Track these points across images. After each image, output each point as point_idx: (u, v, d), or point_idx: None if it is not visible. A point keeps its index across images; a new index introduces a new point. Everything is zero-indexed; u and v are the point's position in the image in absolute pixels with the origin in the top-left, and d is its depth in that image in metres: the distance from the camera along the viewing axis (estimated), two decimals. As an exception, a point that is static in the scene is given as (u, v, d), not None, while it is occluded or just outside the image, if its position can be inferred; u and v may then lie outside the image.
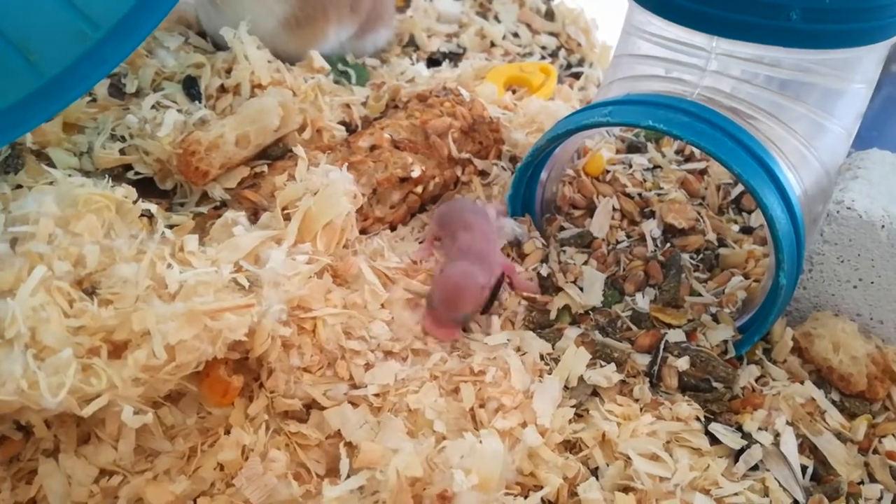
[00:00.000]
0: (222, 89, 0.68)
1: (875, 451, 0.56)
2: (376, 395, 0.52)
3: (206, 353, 0.47)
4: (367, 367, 0.54)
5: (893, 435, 0.56)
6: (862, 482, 0.54)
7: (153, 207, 0.53)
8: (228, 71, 0.69)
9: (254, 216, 0.58)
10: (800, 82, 0.58)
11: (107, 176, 0.54)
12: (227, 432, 0.50)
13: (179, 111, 0.65)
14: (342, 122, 0.70)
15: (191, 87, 0.67)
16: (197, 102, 0.66)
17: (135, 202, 0.52)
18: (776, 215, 0.52)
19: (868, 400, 0.58)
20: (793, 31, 0.53)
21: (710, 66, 0.59)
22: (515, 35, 0.94)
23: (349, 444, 0.50)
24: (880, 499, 0.53)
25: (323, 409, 0.51)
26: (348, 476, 0.47)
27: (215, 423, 0.51)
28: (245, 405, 0.52)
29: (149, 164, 0.62)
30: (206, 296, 0.47)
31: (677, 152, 0.76)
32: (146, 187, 0.62)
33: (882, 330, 0.60)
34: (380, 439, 0.49)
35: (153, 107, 0.65)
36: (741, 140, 0.54)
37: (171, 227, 0.58)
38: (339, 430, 0.50)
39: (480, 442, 0.47)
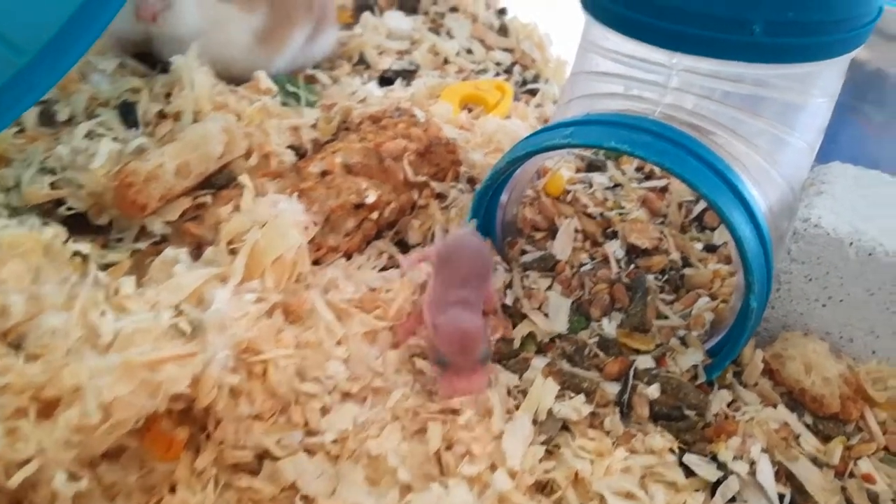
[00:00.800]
0: (161, 115, 0.64)
1: (851, 475, 0.54)
2: (334, 442, 0.49)
3: (146, 408, 0.43)
4: (324, 411, 0.50)
5: (868, 456, 0.55)
6: (840, 508, 0.52)
7: (86, 248, 0.49)
8: (168, 95, 0.65)
9: (197, 250, 0.54)
10: (761, 97, 0.57)
11: (35, 214, 0.50)
12: (173, 490, 0.46)
13: (115, 139, 0.60)
14: (291, 147, 0.67)
15: (127, 113, 0.63)
16: (134, 130, 0.62)
17: (65, 242, 0.48)
18: (744, 236, 0.51)
19: (842, 421, 0.56)
20: (756, 45, 0.51)
21: (671, 83, 0.57)
22: (469, 51, 0.91)
23: (306, 498, 0.46)
24: (859, 525, 0.52)
25: (276, 459, 0.48)
26: (306, 534, 0.44)
27: (160, 480, 0.47)
28: (192, 458, 0.48)
29: (82, 199, 0.58)
30: (143, 345, 0.43)
31: (637, 170, 0.75)
32: (79, 223, 0.58)
33: (852, 348, 0.59)
34: (339, 492, 0.45)
35: (86, 136, 0.60)
36: (706, 159, 0.52)
37: (107, 265, 0.54)
38: (294, 481, 0.47)
39: (447, 493, 0.44)
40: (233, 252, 0.52)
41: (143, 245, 0.57)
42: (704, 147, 0.54)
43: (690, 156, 0.52)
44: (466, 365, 0.50)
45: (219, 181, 0.61)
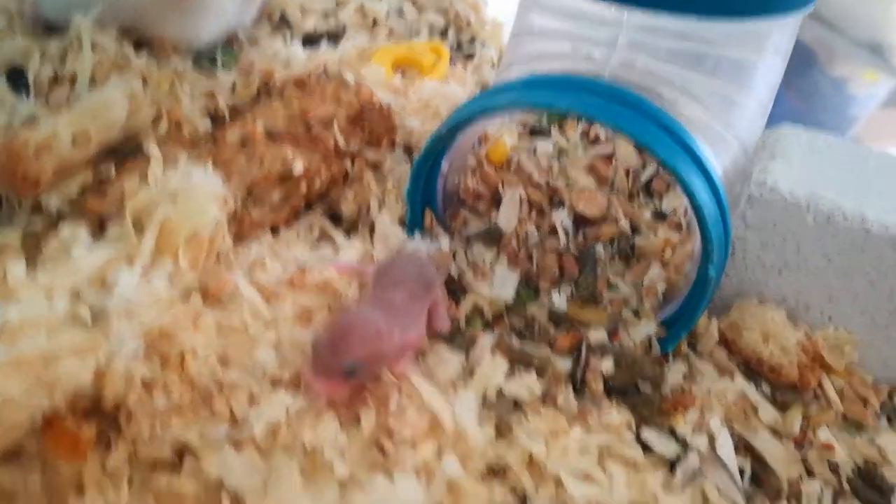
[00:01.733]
0: (56, 80, 0.56)
1: (811, 444, 0.52)
2: (264, 434, 0.44)
3: (42, 408, 0.37)
4: (252, 400, 0.45)
5: (827, 425, 0.53)
6: (801, 479, 0.50)
7: (-35, 227, 0.43)
8: (63, 58, 0.57)
9: (100, 229, 0.48)
10: (713, 56, 0.53)
11: None
12: (81, 492, 0.41)
13: (1, 107, 0.53)
14: (206, 112, 0.60)
15: (16, 78, 0.56)
16: (24, 97, 0.55)
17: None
18: (704, 202, 0.48)
19: (799, 390, 0.54)
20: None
21: (621, 42, 0.53)
22: (400, 12, 0.86)
23: (235, 497, 0.41)
24: (821, 496, 0.50)
25: (199, 455, 0.42)
26: (235, 538, 0.39)
27: (65, 482, 0.41)
28: (101, 457, 0.42)
29: (-36, 174, 0.50)
30: (36, 337, 0.37)
31: (582, 135, 0.71)
32: (-38, 201, 0.51)
33: (809, 316, 0.57)
34: (272, 489, 0.40)
35: (-32, 104, 0.53)
36: (662, 121, 0.49)
37: (-5, 248, 0.47)
38: (220, 479, 0.42)
39: (393, 487, 0.39)
40: (140, 229, 0.46)
41: (37, 225, 0.50)
42: (660, 109, 0.50)
43: (646, 118, 0.49)
44: (327, 363, 0.42)
45: (123, 151, 0.54)
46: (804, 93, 1.01)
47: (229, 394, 0.45)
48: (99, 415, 0.43)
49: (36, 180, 0.48)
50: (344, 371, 0.42)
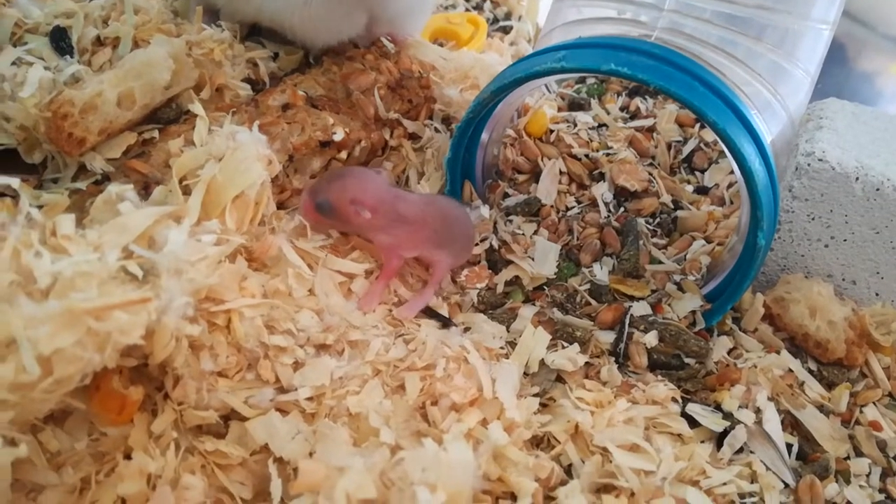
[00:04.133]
0: (99, 42, 0.56)
1: (857, 422, 0.51)
2: (309, 399, 0.44)
3: (93, 363, 0.37)
4: (297, 365, 0.45)
5: (874, 403, 0.52)
6: (848, 457, 0.50)
7: (14, 182, 0.42)
8: (107, 21, 0.57)
9: (144, 191, 0.47)
10: (760, 22, 0.53)
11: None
12: (127, 456, 0.41)
13: (47, 68, 0.53)
14: (247, 80, 0.60)
15: (60, 39, 0.55)
16: (68, 57, 0.54)
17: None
18: (754, 168, 0.47)
19: (846, 367, 0.54)
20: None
21: (668, 5, 0.52)
22: (435, -14, 0.85)
23: (280, 461, 0.41)
24: (869, 474, 0.49)
25: (245, 419, 0.43)
26: (282, 500, 0.39)
27: (112, 446, 0.42)
28: (148, 421, 0.42)
29: (10, 133, 0.50)
30: (87, 290, 0.37)
31: (622, 109, 0.70)
32: (9, 161, 0.50)
33: (855, 291, 0.56)
34: (320, 454, 0.40)
35: (13, 63, 0.53)
36: (713, 85, 0.48)
37: (40, 207, 0.47)
38: (266, 444, 0.42)
39: (445, 450, 0.39)
40: (186, 191, 0.45)
41: (82, 184, 0.50)
42: (710, 73, 0.49)
43: (697, 81, 0.48)
44: (312, 192, 0.49)
45: (166, 115, 0.54)
46: (830, 88, 1.00)
47: (274, 358, 0.45)
48: (144, 378, 0.43)
49: (82, 139, 0.48)
50: (316, 203, 0.49)
